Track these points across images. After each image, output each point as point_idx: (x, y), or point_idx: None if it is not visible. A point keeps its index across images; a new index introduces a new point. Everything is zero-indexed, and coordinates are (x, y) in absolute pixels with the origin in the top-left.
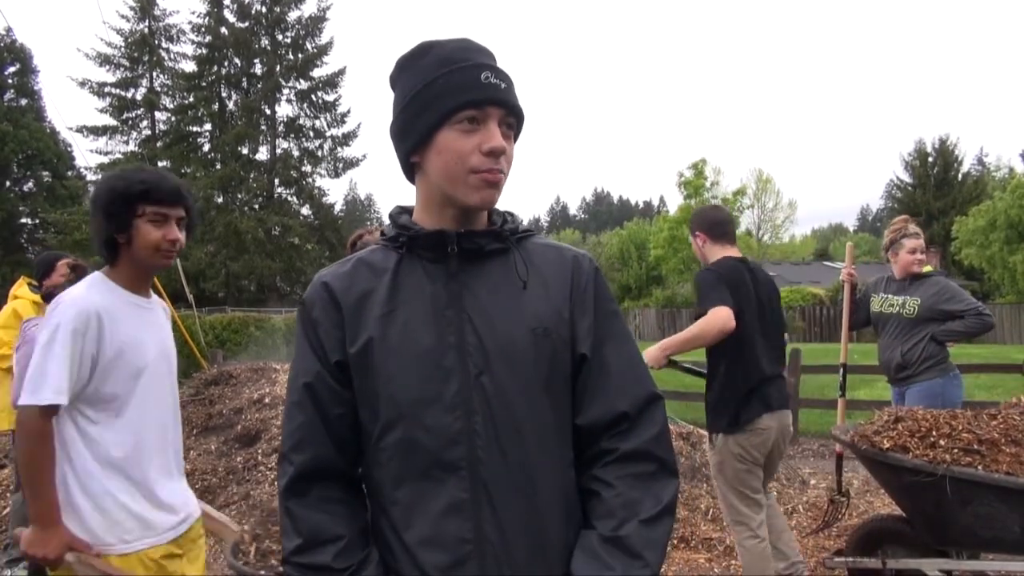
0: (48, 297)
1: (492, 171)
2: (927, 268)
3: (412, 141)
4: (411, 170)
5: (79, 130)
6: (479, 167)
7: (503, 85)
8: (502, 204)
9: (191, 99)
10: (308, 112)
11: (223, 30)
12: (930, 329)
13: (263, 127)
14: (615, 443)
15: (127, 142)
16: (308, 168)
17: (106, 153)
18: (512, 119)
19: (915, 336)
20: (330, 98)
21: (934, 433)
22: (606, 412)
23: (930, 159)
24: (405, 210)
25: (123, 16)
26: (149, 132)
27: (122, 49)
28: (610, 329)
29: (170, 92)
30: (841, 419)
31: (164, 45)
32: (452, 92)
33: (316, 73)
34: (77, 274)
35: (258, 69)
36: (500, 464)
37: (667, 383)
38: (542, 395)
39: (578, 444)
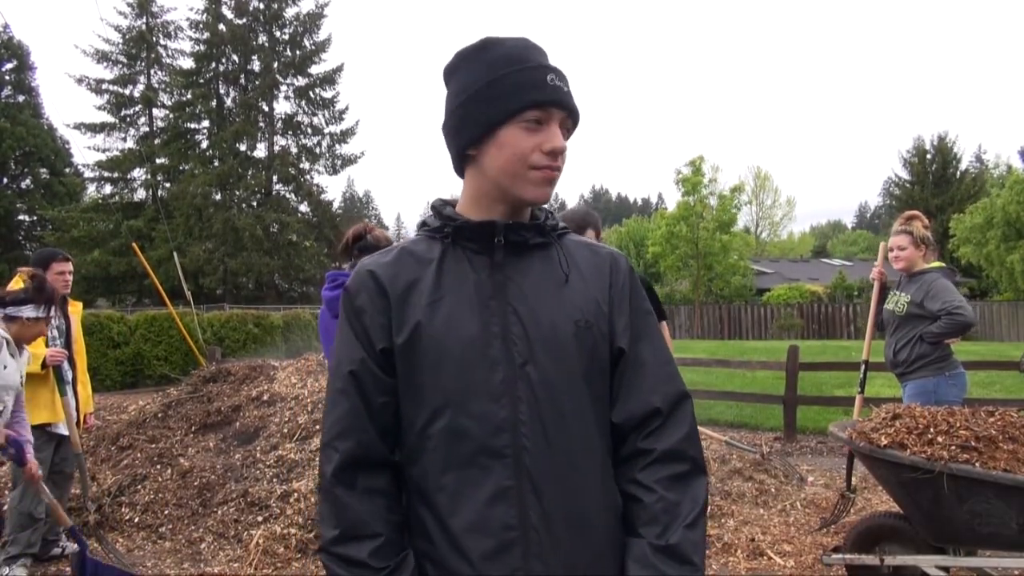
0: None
1: (552, 168)
2: (934, 264)
3: (472, 134)
4: (462, 163)
5: (77, 127)
6: (539, 164)
7: (565, 88)
8: None
9: (189, 96)
10: (306, 109)
11: (221, 27)
12: (921, 328)
13: (261, 124)
14: (651, 443)
15: (125, 139)
16: (306, 165)
17: (104, 150)
18: (570, 122)
19: (907, 334)
20: (328, 95)
21: (932, 430)
22: (641, 408)
23: (928, 156)
24: (447, 203)
25: (121, 13)
26: (147, 129)
27: (120, 46)
28: (645, 327)
29: (168, 89)
30: (857, 415)
31: (162, 42)
32: (520, 91)
33: (314, 70)
34: (35, 284)
35: (256, 66)
36: (544, 452)
37: None
38: (584, 386)
39: (613, 441)
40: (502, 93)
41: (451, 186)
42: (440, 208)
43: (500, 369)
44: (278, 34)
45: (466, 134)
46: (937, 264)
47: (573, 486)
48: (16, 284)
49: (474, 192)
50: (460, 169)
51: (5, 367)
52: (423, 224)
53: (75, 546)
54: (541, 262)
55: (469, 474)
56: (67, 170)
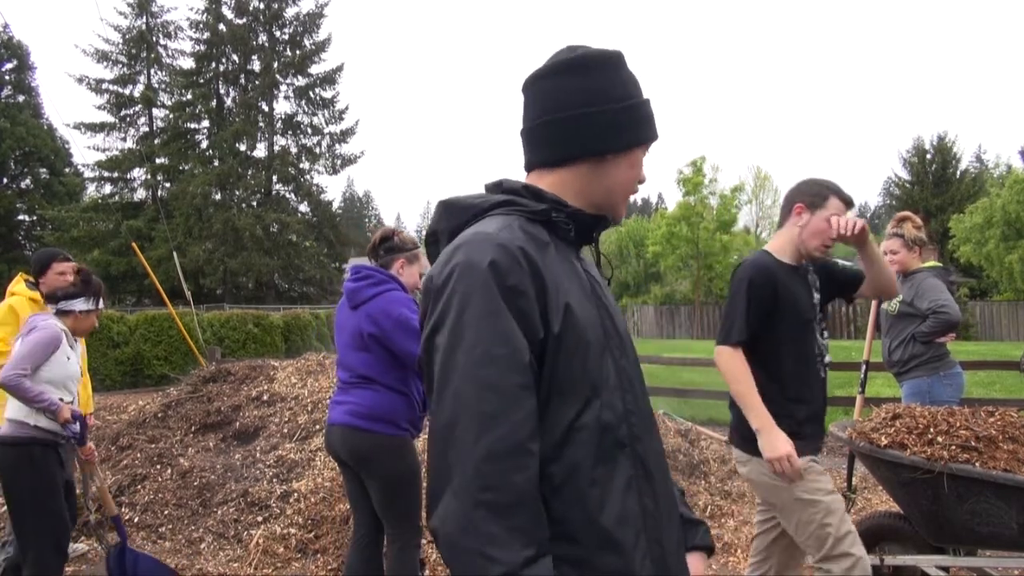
0: (50, 299)
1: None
2: (930, 263)
3: (629, 141)
4: (581, 157)
5: (76, 127)
6: (636, 190)
7: None
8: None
9: (189, 96)
10: (306, 109)
11: (221, 27)
12: (913, 327)
13: (261, 124)
14: None
15: (125, 139)
16: (306, 165)
17: (103, 150)
18: None
19: (900, 334)
20: (328, 95)
21: (932, 430)
22: None
23: (928, 156)
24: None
25: (121, 13)
26: (147, 129)
27: (120, 46)
28: None
29: (168, 89)
30: (858, 415)
31: (162, 42)
32: (651, 122)
33: (314, 69)
34: (83, 278)
35: (256, 66)
36: (648, 440)
37: (665, 381)
38: (642, 376)
39: None
40: (647, 118)
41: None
42: (539, 191)
43: (610, 360)
44: (278, 34)
45: (619, 140)
46: (931, 263)
47: (666, 472)
48: (17, 283)
49: (576, 191)
50: (564, 161)
51: (68, 358)
52: (509, 203)
53: (76, 546)
54: (591, 262)
55: (609, 466)
56: (67, 170)
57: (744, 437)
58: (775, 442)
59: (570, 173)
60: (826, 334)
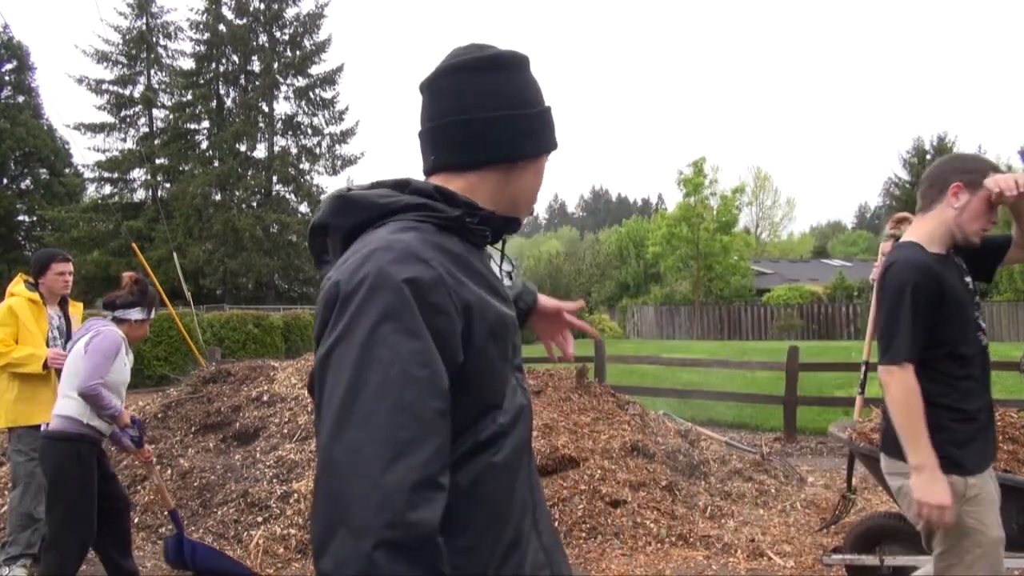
0: (108, 306)
1: None
2: None
3: (540, 148)
4: (485, 165)
5: (76, 127)
6: (533, 201)
7: None
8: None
9: (189, 96)
10: (306, 109)
11: (221, 27)
12: None
13: (261, 124)
14: None
15: (125, 139)
16: (306, 165)
17: (104, 151)
18: None
19: None
20: (328, 95)
21: None
22: None
23: (928, 157)
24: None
25: (121, 13)
26: (147, 129)
27: (120, 46)
28: None
29: (168, 89)
30: (858, 416)
31: (162, 42)
32: (554, 129)
33: (314, 70)
34: (139, 288)
35: (256, 66)
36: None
37: (665, 381)
38: None
39: None
40: (552, 126)
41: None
42: (452, 195)
43: (511, 366)
44: (278, 34)
45: (537, 145)
46: None
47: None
48: (17, 284)
49: (490, 195)
50: (474, 165)
51: (124, 364)
52: (421, 207)
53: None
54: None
55: (513, 468)
56: (67, 170)
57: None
58: (934, 487)
59: (479, 178)
60: (983, 324)
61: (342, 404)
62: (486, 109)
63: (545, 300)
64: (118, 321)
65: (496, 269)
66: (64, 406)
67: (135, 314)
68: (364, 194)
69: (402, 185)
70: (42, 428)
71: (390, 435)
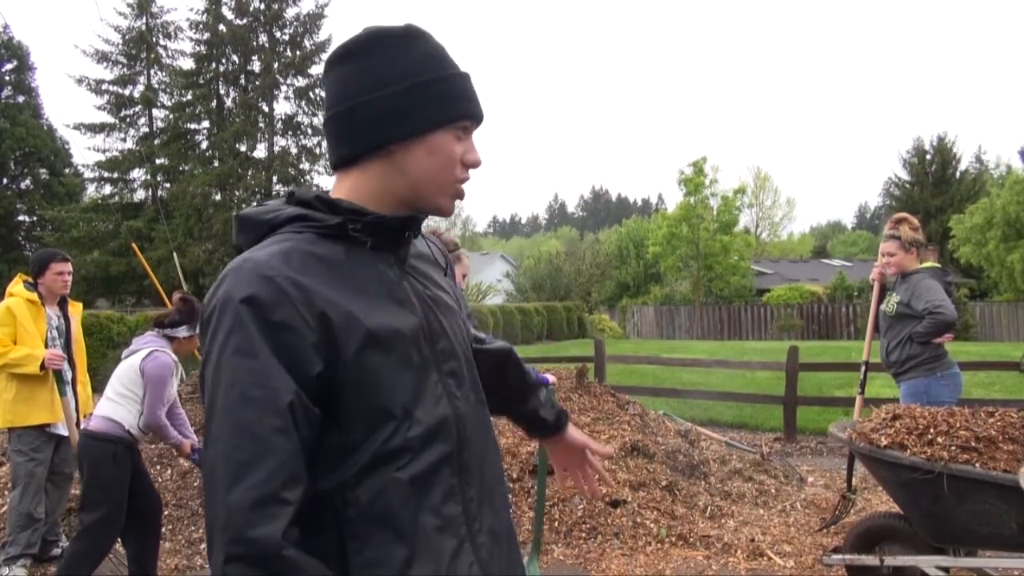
0: (157, 325)
1: (465, 183)
2: (928, 264)
3: (407, 130)
4: (364, 157)
5: (76, 127)
6: (460, 177)
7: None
8: (503, 202)
9: (189, 96)
10: (306, 109)
11: (221, 27)
12: (911, 328)
13: (261, 124)
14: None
15: (125, 139)
16: (306, 166)
17: (104, 151)
18: None
19: (898, 335)
20: None
21: (932, 431)
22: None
23: (928, 157)
24: (326, 196)
25: (121, 13)
26: (147, 129)
27: (120, 46)
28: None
29: (168, 89)
30: (858, 416)
31: (162, 42)
32: (460, 98)
33: (314, 70)
34: (187, 307)
35: (256, 66)
36: (474, 444)
37: (665, 381)
38: (476, 374)
39: None
40: (442, 96)
41: None
42: (333, 202)
43: (432, 368)
44: (278, 35)
45: (399, 128)
46: (929, 264)
47: (491, 472)
48: (16, 284)
49: (378, 190)
50: (354, 161)
51: (174, 384)
52: (301, 218)
53: None
54: (421, 255)
55: (426, 483)
56: (67, 170)
57: None
58: None
59: (363, 173)
60: None
61: (205, 425)
62: (346, 99)
63: (573, 433)
64: (168, 338)
65: (431, 268)
66: (107, 408)
67: (183, 332)
68: (254, 211)
69: (290, 195)
70: (83, 425)
71: (231, 455)
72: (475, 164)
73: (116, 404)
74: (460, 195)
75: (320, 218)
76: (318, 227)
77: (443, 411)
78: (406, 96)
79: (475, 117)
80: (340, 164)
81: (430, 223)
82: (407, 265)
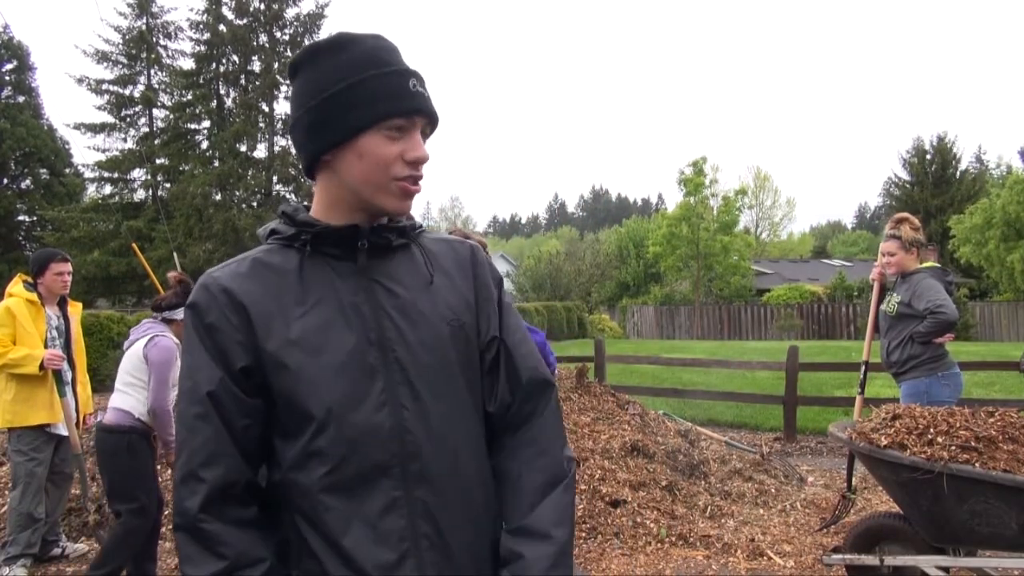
0: (155, 308)
1: (414, 179)
2: (928, 264)
3: (329, 139)
4: (315, 167)
5: (77, 127)
6: (401, 175)
7: (427, 94)
8: (504, 202)
9: (189, 96)
10: None
11: (221, 27)
12: (911, 328)
13: (261, 124)
14: (516, 426)
15: (125, 139)
16: None
17: (104, 150)
18: (429, 128)
19: (899, 335)
20: None
21: (932, 430)
22: (511, 396)
23: (928, 157)
24: (299, 208)
25: (121, 13)
26: (147, 129)
27: (120, 46)
28: (509, 316)
29: (168, 89)
30: (858, 416)
31: (162, 42)
32: (384, 97)
33: None
34: (183, 288)
35: (256, 66)
36: (432, 457)
37: (665, 381)
38: (463, 385)
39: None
40: (364, 98)
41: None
42: (293, 214)
43: (380, 377)
44: (278, 35)
45: (322, 139)
46: (930, 264)
47: (462, 489)
48: (15, 284)
49: (330, 199)
50: (312, 172)
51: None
52: (272, 232)
53: (77, 546)
54: (405, 264)
55: (359, 490)
56: (67, 170)
57: None
58: None
59: (320, 183)
60: None
61: None
62: (292, 116)
63: None
64: (167, 322)
65: (416, 276)
66: (117, 400)
67: (181, 314)
68: (260, 229)
69: (280, 212)
70: (97, 419)
71: (176, 440)
72: (418, 160)
73: (125, 394)
74: (408, 193)
75: (282, 231)
76: (281, 239)
77: (381, 420)
78: (328, 104)
79: (406, 113)
80: (309, 176)
81: (438, 223)
82: (376, 272)
